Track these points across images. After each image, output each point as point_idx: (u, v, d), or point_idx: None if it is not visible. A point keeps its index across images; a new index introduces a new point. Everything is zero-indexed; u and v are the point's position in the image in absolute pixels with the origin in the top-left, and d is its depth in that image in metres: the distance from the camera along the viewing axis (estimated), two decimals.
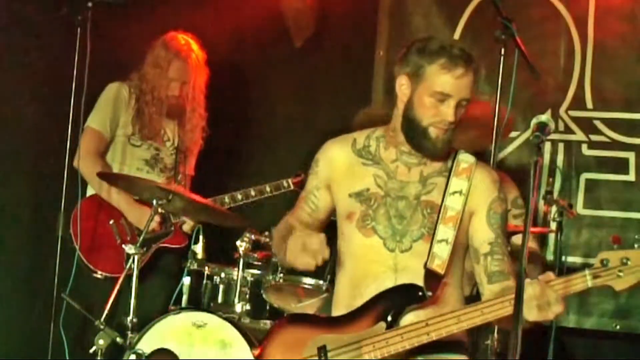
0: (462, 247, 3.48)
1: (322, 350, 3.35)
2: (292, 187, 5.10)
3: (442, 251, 3.41)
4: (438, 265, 3.39)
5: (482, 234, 3.47)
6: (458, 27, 5.62)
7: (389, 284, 3.41)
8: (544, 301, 3.20)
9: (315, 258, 3.31)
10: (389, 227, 3.46)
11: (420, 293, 3.36)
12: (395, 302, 3.38)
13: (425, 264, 3.40)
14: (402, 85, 3.45)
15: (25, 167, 5.74)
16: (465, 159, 3.53)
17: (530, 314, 3.19)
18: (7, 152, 5.68)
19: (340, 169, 3.56)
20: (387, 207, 3.48)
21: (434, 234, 3.42)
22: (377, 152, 3.54)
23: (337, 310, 3.52)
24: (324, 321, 3.49)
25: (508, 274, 3.45)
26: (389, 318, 3.35)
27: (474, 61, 3.40)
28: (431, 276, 3.39)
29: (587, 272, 3.26)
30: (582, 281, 3.26)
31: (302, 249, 3.33)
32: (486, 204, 3.48)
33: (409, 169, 3.51)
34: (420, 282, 3.37)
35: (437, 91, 3.37)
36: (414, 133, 3.44)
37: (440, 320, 3.28)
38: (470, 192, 3.45)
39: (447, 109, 3.38)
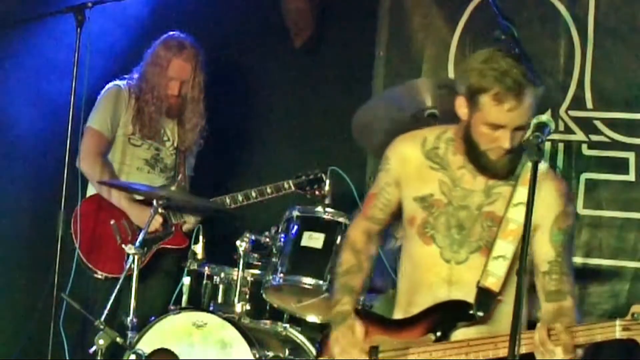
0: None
1: (374, 350, 3.41)
2: (292, 188, 5.10)
3: (498, 268, 3.37)
4: (492, 284, 3.36)
5: (543, 252, 3.41)
6: (458, 27, 5.62)
7: (442, 296, 3.41)
8: (547, 349, 3.18)
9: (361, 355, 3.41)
10: (448, 237, 3.43)
11: (470, 312, 3.36)
12: (446, 316, 3.39)
13: (479, 282, 3.37)
14: (461, 106, 3.42)
15: (26, 167, 5.74)
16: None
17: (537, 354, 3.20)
18: (7, 152, 5.68)
19: (410, 169, 3.52)
20: (448, 215, 3.45)
21: (491, 248, 3.38)
22: (446, 156, 3.50)
23: (397, 312, 3.55)
24: (382, 322, 3.53)
25: (565, 294, 3.40)
26: (438, 333, 3.37)
27: (531, 84, 3.33)
28: (484, 294, 3.36)
29: (617, 322, 3.20)
30: (610, 331, 3.20)
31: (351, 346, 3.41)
32: (551, 219, 3.42)
33: (475, 177, 3.47)
34: (472, 298, 3.36)
35: (491, 122, 3.33)
36: (474, 154, 3.42)
37: (480, 343, 3.27)
38: (536, 204, 3.22)
39: (502, 137, 3.34)
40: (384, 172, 3.59)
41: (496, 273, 3.36)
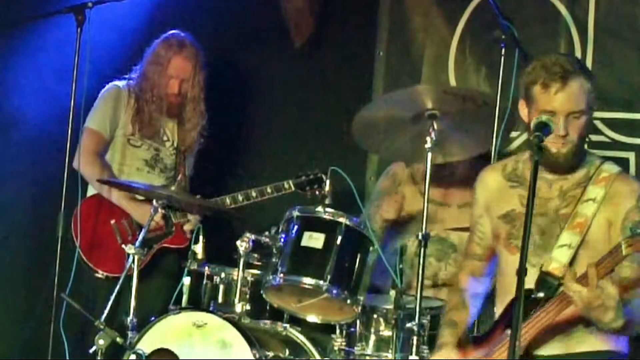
0: (596, 253, 3.49)
1: None
2: (292, 188, 5.10)
3: (562, 256, 3.54)
4: (555, 269, 3.52)
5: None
6: (458, 27, 5.62)
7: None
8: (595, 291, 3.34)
9: None
10: (531, 244, 3.54)
11: (532, 296, 3.50)
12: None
13: (541, 266, 3.54)
14: (522, 109, 3.63)
15: (26, 167, 5.74)
16: (607, 169, 3.64)
17: (607, 315, 3.36)
18: (7, 152, 5.68)
19: (492, 193, 3.78)
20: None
21: (557, 238, 3.57)
22: (523, 173, 3.70)
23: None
24: (477, 340, 3.74)
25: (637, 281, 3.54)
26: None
27: (578, 71, 3.52)
28: (546, 278, 3.52)
29: (621, 242, 3.35)
30: (618, 253, 3.34)
31: None
32: (622, 213, 3.58)
33: (550, 186, 3.65)
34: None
35: (543, 110, 3.49)
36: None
37: (524, 326, 3.42)
38: (607, 201, 3.56)
39: (556, 125, 3.47)
40: (474, 206, 3.87)
41: (560, 260, 3.53)
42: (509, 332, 3.42)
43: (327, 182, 4.63)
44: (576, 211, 3.57)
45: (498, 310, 3.74)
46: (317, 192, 4.91)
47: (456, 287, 3.88)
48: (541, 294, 3.49)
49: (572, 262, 3.51)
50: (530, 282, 3.52)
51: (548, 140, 3.46)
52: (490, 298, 4.00)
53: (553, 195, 3.63)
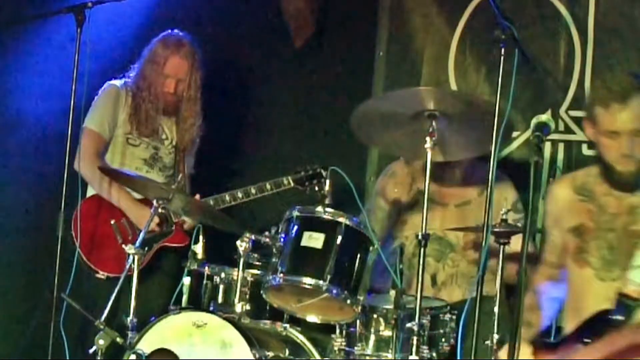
0: None
1: None
2: (292, 184, 5.10)
3: (639, 277, 3.58)
4: (633, 291, 3.55)
5: None
6: (458, 27, 5.62)
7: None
8: None
9: None
10: (600, 259, 3.67)
11: (609, 316, 3.55)
12: (591, 327, 3.61)
13: (619, 290, 3.58)
14: (587, 130, 3.74)
15: (26, 167, 5.74)
16: None
17: None
18: (7, 152, 5.68)
19: (562, 206, 3.88)
20: (599, 240, 3.72)
21: (631, 259, 3.62)
22: (593, 188, 3.79)
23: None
24: (548, 346, 3.82)
25: None
26: (585, 340, 3.60)
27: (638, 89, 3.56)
28: (625, 300, 3.55)
29: None
30: None
31: None
32: None
33: (620, 202, 3.73)
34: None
35: (605, 130, 3.59)
36: (605, 169, 3.70)
37: (595, 344, 3.50)
38: None
39: (619, 144, 3.58)
40: (545, 216, 4.00)
41: (637, 281, 3.57)
42: (579, 346, 3.54)
43: (327, 182, 4.63)
44: None
45: (569, 321, 3.80)
46: (316, 188, 4.91)
47: (533, 289, 3.98)
48: (619, 317, 3.53)
49: None
50: (598, 296, 3.61)
51: (612, 159, 3.57)
52: None
53: (622, 211, 3.70)
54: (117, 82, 5.27)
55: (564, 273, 3.95)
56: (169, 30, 5.28)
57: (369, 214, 5.01)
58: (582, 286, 3.77)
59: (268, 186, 5.10)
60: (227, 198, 5.09)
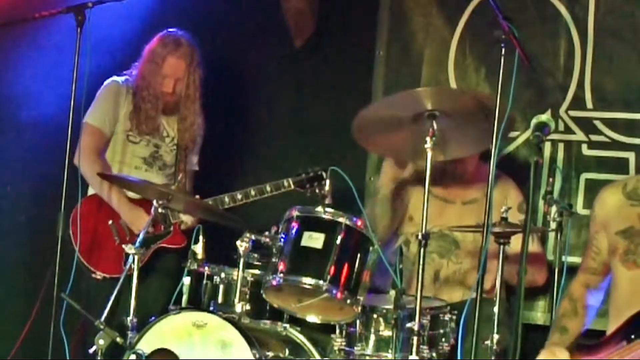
0: None
1: None
2: (292, 186, 5.09)
3: None
4: None
5: None
6: (458, 27, 5.62)
7: None
8: None
9: None
10: None
11: None
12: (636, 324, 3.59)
13: None
14: None
15: (25, 167, 5.74)
16: None
17: None
18: (7, 152, 5.68)
19: (611, 210, 3.87)
20: None
21: None
22: None
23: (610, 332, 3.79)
24: (589, 348, 3.78)
25: None
26: (632, 336, 3.57)
27: None
28: None
29: None
30: None
31: None
32: None
33: None
34: None
35: None
36: None
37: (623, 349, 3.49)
38: None
39: None
40: (591, 222, 3.97)
41: None
42: (624, 343, 3.53)
43: (327, 182, 4.64)
44: None
45: (612, 323, 3.78)
46: (316, 190, 4.91)
47: (570, 296, 3.97)
48: None
49: None
50: None
51: None
52: None
53: None
54: (119, 79, 5.27)
55: (605, 281, 3.96)
56: (168, 29, 5.28)
57: (374, 207, 5.03)
58: (631, 288, 3.75)
59: (268, 188, 5.10)
60: (227, 200, 5.09)
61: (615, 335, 3.67)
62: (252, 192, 5.09)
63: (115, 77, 5.27)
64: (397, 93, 4.90)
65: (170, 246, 5.13)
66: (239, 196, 5.09)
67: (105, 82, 5.25)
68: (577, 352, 3.75)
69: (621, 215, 3.81)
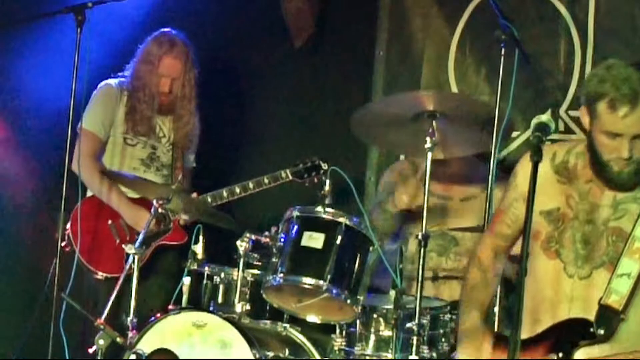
0: None
1: None
2: (290, 177, 5.09)
3: (622, 286, 3.34)
4: (615, 302, 3.33)
5: None
6: (458, 27, 5.62)
7: (562, 313, 3.40)
8: None
9: None
10: (572, 252, 3.44)
11: (591, 330, 3.33)
12: (567, 336, 3.36)
13: (601, 299, 3.35)
14: (583, 116, 3.44)
15: (25, 168, 5.74)
16: None
17: None
18: (7, 152, 5.68)
19: (537, 183, 3.42)
20: (574, 230, 3.46)
21: (616, 265, 3.37)
22: (575, 170, 3.51)
23: (523, 331, 3.38)
24: (507, 342, 3.42)
25: None
26: (560, 354, 3.34)
27: None
28: (606, 312, 3.33)
29: None
30: None
31: None
32: None
33: (602, 191, 3.46)
34: (592, 316, 3.34)
35: (607, 130, 3.33)
36: (598, 165, 3.42)
37: None
38: None
39: (620, 146, 3.33)
40: (512, 188, 3.63)
41: (620, 291, 3.34)
42: (553, 356, 3.33)
43: (327, 182, 4.63)
44: (635, 234, 3.36)
45: (527, 317, 3.48)
46: (315, 180, 4.91)
47: (479, 264, 3.67)
48: (601, 331, 3.31)
49: (632, 293, 3.32)
50: (562, 293, 3.38)
51: (610, 158, 3.34)
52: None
53: (604, 202, 3.45)
54: (113, 82, 5.27)
55: (511, 249, 3.65)
56: (162, 29, 5.28)
57: (376, 207, 5.03)
58: (546, 278, 3.46)
59: (266, 180, 5.10)
60: (225, 194, 5.08)
61: (540, 340, 3.42)
62: (251, 185, 5.09)
63: (108, 80, 5.27)
64: (397, 93, 4.92)
65: (170, 243, 5.13)
66: (238, 189, 5.09)
67: (99, 86, 5.24)
68: (496, 345, 3.48)
69: (547, 192, 3.49)
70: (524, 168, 3.59)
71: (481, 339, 3.50)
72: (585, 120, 3.43)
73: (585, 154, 3.50)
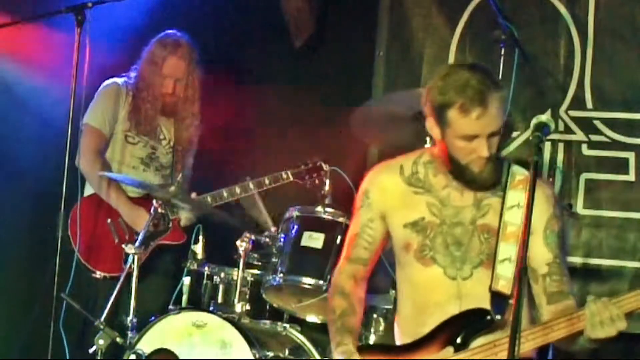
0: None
1: None
2: (291, 178, 5.09)
3: (506, 270, 3.38)
4: (503, 286, 3.37)
5: (540, 255, 3.43)
6: (458, 27, 5.62)
7: (453, 310, 3.40)
8: (606, 317, 3.19)
9: None
10: (448, 255, 3.44)
11: (488, 317, 3.35)
12: (463, 326, 3.37)
13: (490, 286, 3.38)
14: (432, 127, 3.42)
15: (25, 167, 5.74)
16: (519, 171, 3.48)
17: (594, 331, 3.20)
18: (7, 152, 5.68)
19: (393, 198, 3.51)
20: (444, 235, 3.46)
21: (495, 254, 3.40)
22: (427, 179, 3.50)
23: (403, 339, 3.51)
24: (393, 350, 3.48)
25: (567, 294, 3.43)
26: (458, 340, 3.34)
27: (493, 89, 3.32)
28: (498, 298, 3.37)
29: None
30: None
31: None
32: (542, 222, 3.44)
33: (462, 193, 3.47)
34: (486, 306, 3.36)
35: (463, 134, 3.33)
36: (458, 170, 3.42)
37: (508, 341, 3.11)
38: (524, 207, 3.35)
39: (479, 146, 3.34)
40: (365, 208, 3.57)
41: (505, 275, 3.38)
42: (451, 349, 3.32)
43: (327, 182, 4.64)
44: (505, 220, 3.41)
45: (409, 323, 3.50)
46: (316, 181, 4.91)
47: (341, 291, 3.55)
48: (499, 317, 3.33)
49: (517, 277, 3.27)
50: (449, 295, 3.39)
51: (469, 160, 3.35)
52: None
53: (466, 203, 3.46)
54: (119, 80, 5.28)
55: (369, 272, 3.61)
56: (167, 31, 5.29)
57: None
58: (428, 285, 3.44)
59: (267, 181, 5.10)
60: (225, 194, 5.08)
61: (432, 338, 3.39)
62: (251, 186, 5.09)
63: (114, 78, 5.28)
64: (399, 91, 4.93)
65: (169, 242, 5.13)
66: (238, 190, 5.08)
67: (105, 83, 5.25)
68: (366, 352, 3.43)
69: (407, 205, 3.47)
70: (374, 184, 3.57)
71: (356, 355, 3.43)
72: (435, 132, 3.41)
73: (433, 162, 3.51)
